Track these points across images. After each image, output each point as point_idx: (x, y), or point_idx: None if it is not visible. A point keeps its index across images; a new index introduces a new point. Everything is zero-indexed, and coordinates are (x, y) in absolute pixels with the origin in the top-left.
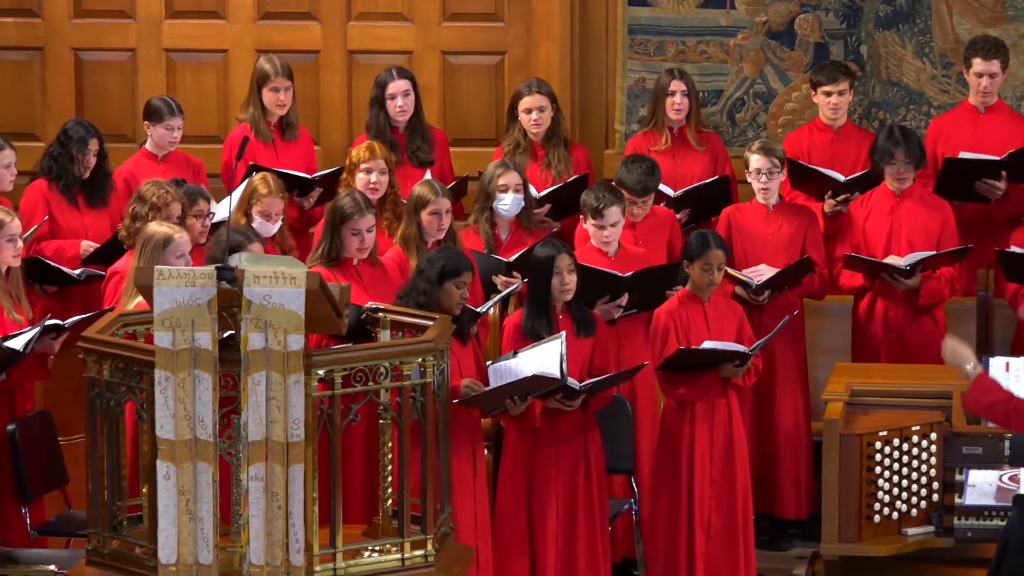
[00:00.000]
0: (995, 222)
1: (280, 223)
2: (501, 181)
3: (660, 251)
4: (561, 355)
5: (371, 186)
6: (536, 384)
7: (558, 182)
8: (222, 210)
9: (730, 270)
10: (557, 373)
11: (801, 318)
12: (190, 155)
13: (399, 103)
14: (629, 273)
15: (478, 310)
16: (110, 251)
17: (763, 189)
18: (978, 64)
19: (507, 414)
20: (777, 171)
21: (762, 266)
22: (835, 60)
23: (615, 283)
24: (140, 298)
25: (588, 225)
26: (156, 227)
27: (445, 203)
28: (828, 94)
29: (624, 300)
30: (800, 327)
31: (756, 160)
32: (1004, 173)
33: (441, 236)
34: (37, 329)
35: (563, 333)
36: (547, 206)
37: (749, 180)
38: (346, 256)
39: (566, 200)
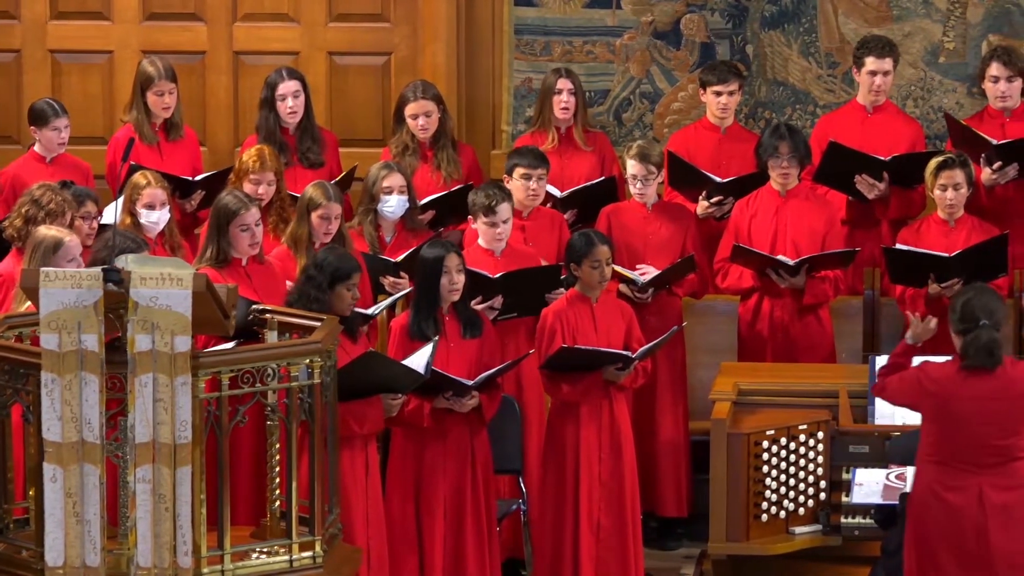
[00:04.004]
0: (877, 220)
1: (168, 211)
2: (385, 183)
3: (550, 251)
4: (428, 359)
5: (257, 195)
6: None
7: (448, 183)
8: (108, 215)
9: (616, 267)
10: (421, 368)
11: (681, 318)
12: (78, 159)
13: (289, 104)
14: (499, 274)
15: (368, 312)
16: None
17: (639, 194)
18: (871, 63)
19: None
20: (653, 176)
21: (643, 266)
22: (724, 60)
23: (485, 284)
24: (30, 303)
25: (479, 224)
26: (46, 231)
27: (336, 208)
28: (718, 94)
29: (497, 302)
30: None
31: (632, 166)
32: (886, 175)
33: (328, 240)
34: None
35: (436, 339)
36: (430, 213)
37: (628, 182)
38: (235, 256)
39: (451, 207)
